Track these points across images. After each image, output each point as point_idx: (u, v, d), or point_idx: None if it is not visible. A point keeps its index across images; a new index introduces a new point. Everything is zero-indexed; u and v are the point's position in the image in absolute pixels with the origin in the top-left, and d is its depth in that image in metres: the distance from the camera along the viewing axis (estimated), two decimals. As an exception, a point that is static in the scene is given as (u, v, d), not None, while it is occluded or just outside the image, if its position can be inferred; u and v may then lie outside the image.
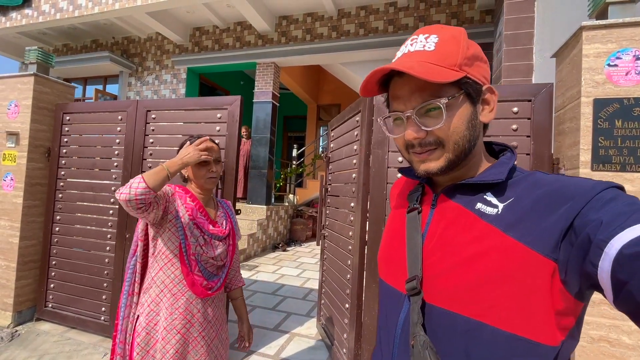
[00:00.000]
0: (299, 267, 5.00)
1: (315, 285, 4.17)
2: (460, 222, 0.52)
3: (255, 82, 6.37)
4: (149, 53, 7.15)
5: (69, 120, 2.79)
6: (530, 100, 1.67)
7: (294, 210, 7.43)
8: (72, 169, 2.76)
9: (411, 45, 0.54)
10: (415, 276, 0.53)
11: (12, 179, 2.76)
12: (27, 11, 6.47)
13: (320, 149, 9.11)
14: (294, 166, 7.68)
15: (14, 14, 6.60)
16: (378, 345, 0.64)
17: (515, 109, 1.69)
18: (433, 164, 0.54)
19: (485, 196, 0.52)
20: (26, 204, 2.73)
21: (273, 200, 6.80)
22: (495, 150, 0.61)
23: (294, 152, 7.75)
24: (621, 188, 0.45)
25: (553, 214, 0.45)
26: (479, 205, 0.52)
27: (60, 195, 2.77)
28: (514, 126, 1.69)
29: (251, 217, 5.89)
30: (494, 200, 0.51)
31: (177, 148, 1.34)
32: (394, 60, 0.55)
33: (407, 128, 0.53)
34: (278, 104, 6.56)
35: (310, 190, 7.76)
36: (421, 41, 0.53)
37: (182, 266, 1.19)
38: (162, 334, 1.17)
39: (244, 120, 7.46)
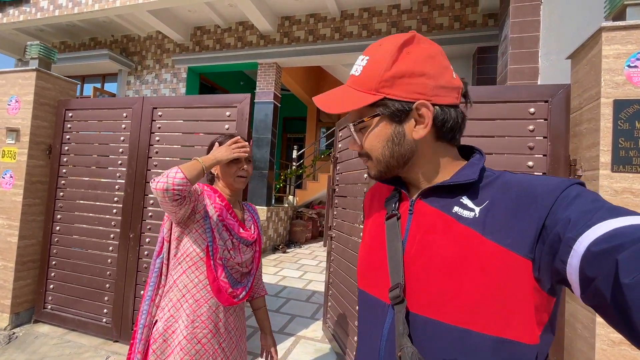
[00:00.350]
0: (300, 269, 4.96)
1: (318, 287, 4.13)
2: (439, 226, 0.53)
3: (257, 83, 6.34)
4: (149, 52, 7.08)
5: (71, 116, 2.73)
6: (547, 101, 1.66)
7: (293, 212, 7.39)
8: (74, 166, 2.70)
9: (354, 68, 0.57)
10: (398, 284, 0.53)
11: (11, 177, 2.69)
12: (24, 7, 6.38)
13: (321, 150, 9.10)
14: (293, 167, 7.64)
15: (11, 10, 6.49)
16: (361, 357, 0.62)
17: (531, 110, 1.68)
18: (371, 171, 0.61)
19: (461, 199, 0.53)
20: (26, 202, 2.66)
21: (273, 201, 6.76)
22: (466, 152, 0.62)
23: (294, 154, 7.71)
24: (583, 184, 0.47)
25: (526, 215, 0.46)
26: (456, 208, 0.53)
27: (61, 193, 2.71)
28: (531, 127, 1.68)
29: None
30: (470, 204, 0.52)
31: (207, 147, 1.30)
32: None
33: (350, 139, 0.61)
34: (280, 105, 6.53)
35: (310, 192, 7.73)
36: (358, 64, 0.56)
37: (209, 271, 1.12)
38: (181, 343, 1.10)
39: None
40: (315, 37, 5.92)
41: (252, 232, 1.27)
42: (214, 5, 5.87)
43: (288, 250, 6.33)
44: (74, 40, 7.71)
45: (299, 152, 7.89)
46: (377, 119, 0.55)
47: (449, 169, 0.57)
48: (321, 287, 4.09)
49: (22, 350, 2.39)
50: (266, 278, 4.40)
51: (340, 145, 2.77)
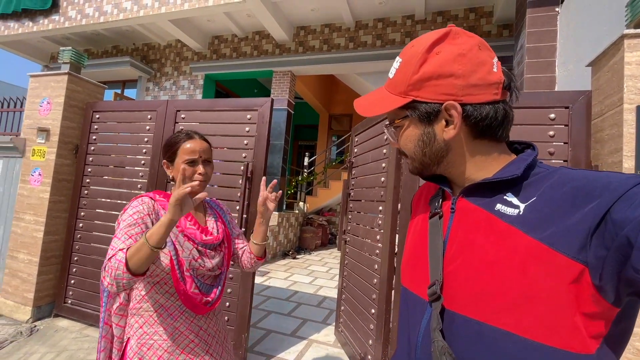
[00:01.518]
0: (310, 275, 4.96)
1: (329, 292, 4.12)
2: (481, 224, 0.51)
3: (272, 90, 6.47)
4: (168, 59, 7.32)
5: (98, 118, 2.84)
6: (567, 107, 1.68)
7: (304, 218, 7.41)
8: (99, 166, 2.80)
9: (392, 68, 0.59)
10: (436, 281, 0.53)
11: (40, 174, 2.81)
12: (54, 16, 6.70)
13: (332, 158, 9.15)
14: (304, 174, 7.70)
15: (40, 19, 6.83)
16: (400, 353, 0.63)
17: (552, 116, 1.69)
18: (409, 167, 0.63)
19: (505, 197, 0.51)
20: (52, 199, 2.76)
21: (284, 207, 6.80)
22: (518, 149, 0.59)
23: (305, 161, 7.78)
24: None
25: (578, 212, 0.42)
26: (498, 206, 0.51)
27: (85, 191, 2.81)
28: (551, 132, 1.69)
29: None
30: (515, 201, 0.50)
31: (161, 150, 1.16)
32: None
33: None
34: (293, 112, 6.63)
35: (320, 199, 7.76)
36: (394, 66, 0.58)
37: (176, 285, 1.03)
38: (162, 357, 1.03)
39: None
40: (330, 47, 6.04)
41: (217, 232, 1.18)
42: (232, 15, 6.06)
43: (298, 256, 6.34)
44: (98, 48, 8.02)
45: (310, 159, 7.96)
46: (407, 120, 0.57)
47: (494, 166, 0.55)
48: (332, 293, 4.08)
49: (42, 343, 2.45)
50: (277, 282, 4.42)
51: (356, 150, 2.81)
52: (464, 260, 0.51)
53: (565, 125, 1.67)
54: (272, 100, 2.30)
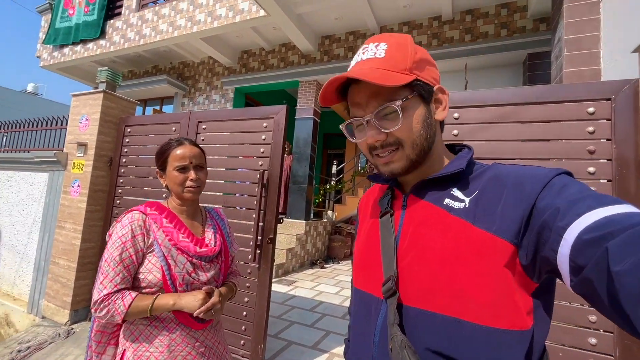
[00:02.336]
0: (337, 285, 4.84)
1: (354, 304, 3.98)
2: (431, 219, 0.54)
3: (297, 100, 6.55)
4: (201, 75, 7.71)
5: (129, 132, 3.02)
6: (609, 99, 1.48)
7: (332, 227, 7.33)
8: (130, 177, 2.96)
9: (363, 54, 0.56)
10: (391, 276, 0.53)
11: (78, 186, 3.02)
12: (101, 42, 7.36)
13: (361, 166, 9.02)
14: (333, 182, 7.65)
15: (90, 45, 7.53)
16: (353, 356, 0.62)
17: (590, 110, 1.50)
18: (396, 165, 0.56)
19: (452, 192, 0.54)
20: (89, 209, 2.95)
21: (312, 215, 6.78)
22: (455, 149, 0.64)
23: (334, 169, 7.73)
24: (570, 174, 0.48)
25: (513, 202, 0.47)
26: (447, 200, 0.54)
27: (117, 201, 2.97)
28: (590, 128, 1.49)
29: (290, 232, 5.89)
30: (460, 195, 0.53)
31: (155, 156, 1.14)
32: (348, 70, 0.57)
33: (368, 132, 0.56)
34: (319, 121, 6.65)
35: (349, 207, 7.64)
36: (372, 49, 0.56)
37: None
38: None
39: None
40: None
41: (214, 244, 1.14)
42: (259, 29, 6.26)
43: (326, 266, 6.25)
44: (139, 69, 8.67)
45: (339, 167, 7.90)
46: (415, 98, 0.55)
47: (440, 163, 0.59)
48: (358, 305, 3.93)
49: (77, 346, 2.59)
50: (303, 292, 4.36)
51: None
52: (415, 254, 0.53)
53: (608, 120, 1.47)
54: (287, 107, 2.29)
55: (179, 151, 1.09)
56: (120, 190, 2.97)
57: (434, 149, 0.58)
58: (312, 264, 6.21)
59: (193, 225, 1.15)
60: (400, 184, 0.63)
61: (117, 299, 0.96)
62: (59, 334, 2.71)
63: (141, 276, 1.02)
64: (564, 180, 0.46)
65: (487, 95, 1.70)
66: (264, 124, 2.34)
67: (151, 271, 1.01)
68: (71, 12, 7.74)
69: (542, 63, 4.57)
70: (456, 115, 1.76)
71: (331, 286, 4.77)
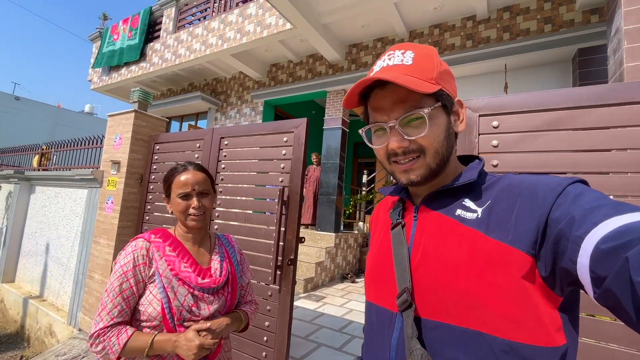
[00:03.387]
0: (368, 302, 4.60)
1: (387, 325, 3.73)
2: (443, 229, 0.53)
3: (326, 110, 6.48)
4: (232, 90, 7.94)
5: (158, 149, 3.09)
6: (694, 98, 1.19)
7: (363, 239, 7.09)
8: (159, 193, 3.01)
9: (389, 59, 0.56)
10: (405, 288, 0.52)
11: (112, 202, 3.13)
12: (142, 64, 7.87)
13: (392, 175, 8.72)
14: (363, 192, 7.43)
15: (133, 67, 8.08)
16: None
17: (669, 112, 1.22)
18: (416, 173, 0.56)
19: (463, 202, 0.54)
20: (120, 225, 3.04)
21: (342, 227, 6.60)
22: (466, 161, 0.63)
23: (364, 178, 7.52)
24: (585, 182, 0.47)
25: (528, 212, 0.46)
26: (458, 211, 0.53)
27: (147, 217, 3.03)
28: (670, 135, 1.21)
29: (319, 245, 5.75)
30: (473, 205, 0.52)
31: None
32: (372, 74, 0.56)
33: (391, 138, 0.55)
34: (348, 130, 6.52)
35: (381, 218, 7.35)
36: (398, 56, 0.55)
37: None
38: None
39: (315, 147, 7.50)
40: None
41: (219, 275, 1.06)
42: (286, 42, 6.32)
43: (357, 280, 6.01)
44: (177, 87, 9.15)
45: (369, 177, 7.67)
46: (440, 108, 0.55)
47: (452, 173, 0.59)
48: (391, 326, 3.68)
49: None
50: (332, 310, 4.18)
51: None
52: (429, 265, 0.52)
53: (694, 124, 1.18)
54: (308, 120, 2.18)
55: (182, 177, 1.05)
56: (149, 207, 3.04)
57: (451, 159, 0.58)
58: (343, 278, 6.00)
59: (199, 254, 1.09)
60: (410, 195, 0.63)
61: (112, 336, 0.91)
62: (92, 348, 2.79)
63: (141, 308, 0.97)
64: (578, 189, 0.44)
65: (533, 99, 1.47)
66: (284, 139, 2.25)
67: (151, 303, 0.96)
68: (116, 37, 8.38)
69: (596, 58, 4.09)
70: (495, 123, 1.54)
71: (362, 303, 4.54)
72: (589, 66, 4.15)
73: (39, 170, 4.89)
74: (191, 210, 1.02)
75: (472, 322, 0.46)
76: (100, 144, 3.64)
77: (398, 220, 0.60)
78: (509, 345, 0.43)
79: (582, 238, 0.38)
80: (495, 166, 1.52)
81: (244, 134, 2.49)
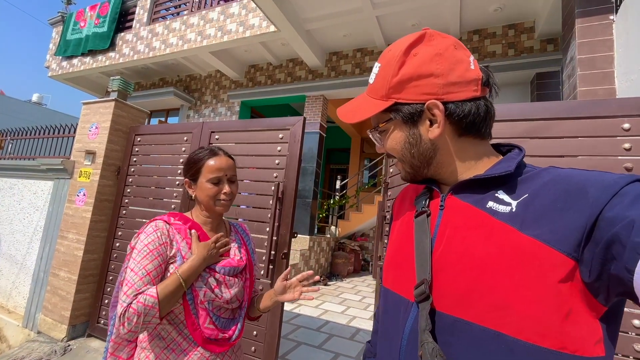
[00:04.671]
0: (342, 304, 4.69)
1: (362, 324, 3.83)
2: (471, 222, 0.50)
3: (304, 114, 6.56)
4: (208, 88, 7.76)
5: (139, 141, 2.97)
6: (645, 115, 1.43)
7: (335, 243, 7.20)
8: (137, 187, 2.88)
9: (372, 74, 0.59)
10: (424, 280, 0.50)
11: (84, 195, 2.94)
12: (110, 54, 7.44)
13: (365, 182, 8.97)
14: (337, 197, 7.57)
15: (100, 57, 7.61)
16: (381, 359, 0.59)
17: (626, 125, 1.45)
18: (402, 173, 0.60)
19: (496, 194, 0.50)
20: (93, 219, 2.86)
21: (316, 231, 6.66)
22: (503, 150, 0.59)
23: (337, 184, 7.67)
24: None
25: (574, 210, 0.42)
26: (490, 203, 0.50)
27: (124, 211, 2.88)
28: (626, 145, 1.44)
29: (294, 247, 5.76)
30: (507, 198, 0.49)
31: (183, 168, 1.11)
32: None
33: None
34: (325, 135, 6.64)
35: (353, 223, 7.53)
36: (373, 71, 0.58)
37: (187, 319, 0.94)
38: None
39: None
40: (362, 70, 6.06)
41: (240, 257, 1.07)
42: (267, 44, 6.34)
43: (329, 283, 6.08)
44: (146, 81, 8.74)
45: (342, 183, 7.84)
46: (391, 123, 0.56)
47: (482, 164, 0.55)
48: (366, 325, 3.79)
49: (74, 364, 2.44)
50: (308, 310, 4.21)
51: (392, 170, 2.65)
52: (453, 258, 0.50)
53: (645, 136, 1.42)
54: (304, 119, 2.25)
55: (213, 162, 1.03)
56: (127, 200, 2.89)
57: (447, 158, 0.55)
58: (315, 282, 6.04)
59: None
60: (438, 184, 0.60)
61: (140, 298, 0.85)
62: (55, 351, 2.57)
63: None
64: (638, 189, 0.39)
65: (516, 110, 1.67)
66: (280, 135, 2.30)
67: None
68: (82, 24, 7.87)
69: (551, 82, 4.61)
70: (482, 129, 1.72)
71: (336, 305, 4.62)
72: (545, 89, 4.65)
73: (-12, 159, 4.43)
74: (222, 196, 1.02)
75: (493, 321, 0.43)
76: (72, 133, 3.40)
77: (423, 209, 0.58)
78: (532, 348, 0.41)
79: None
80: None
81: (237, 129, 2.49)
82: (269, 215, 2.17)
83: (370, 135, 0.61)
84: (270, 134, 2.33)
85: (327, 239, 6.78)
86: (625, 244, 0.36)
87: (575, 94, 3.10)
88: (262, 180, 2.30)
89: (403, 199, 0.72)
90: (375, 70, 0.57)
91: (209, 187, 1.02)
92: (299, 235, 6.01)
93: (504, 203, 0.48)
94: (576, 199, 0.42)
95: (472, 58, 0.53)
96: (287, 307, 4.23)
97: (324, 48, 6.30)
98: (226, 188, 1.03)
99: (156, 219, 1.02)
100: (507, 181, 0.51)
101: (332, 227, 7.33)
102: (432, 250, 0.52)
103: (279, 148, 2.28)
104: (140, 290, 0.88)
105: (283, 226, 2.14)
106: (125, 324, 0.84)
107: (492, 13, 4.81)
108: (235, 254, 1.09)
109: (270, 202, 2.19)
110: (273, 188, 2.18)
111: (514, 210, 0.47)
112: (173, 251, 0.97)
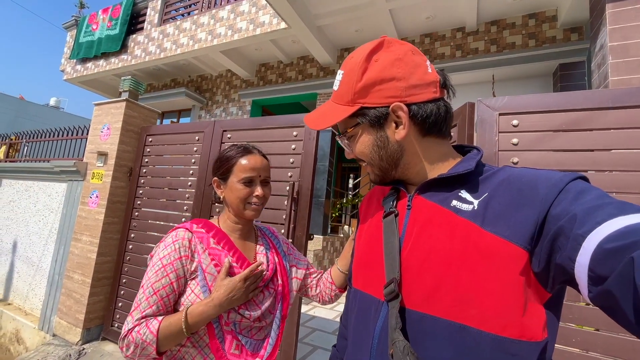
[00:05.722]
0: (358, 305, 4.58)
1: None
2: (437, 220, 0.52)
3: (315, 112, 6.46)
4: (219, 88, 7.75)
5: (151, 141, 2.92)
6: None
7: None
8: (149, 188, 2.84)
9: (335, 81, 0.60)
10: (393, 279, 0.51)
11: (97, 197, 2.92)
12: (123, 56, 7.50)
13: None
14: (350, 196, 7.45)
15: (112, 59, 7.69)
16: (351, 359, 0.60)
17: (683, 115, 1.30)
18: (371, 175, 0.62)
19: (459, 193, 0.53)
20: (106, 221, 2.83)
21: (329, 230, 6.56)
22: (463, 151, 0.62)
23: (350, 183, 7.55)
24: (586, 179, 0.46)
25: (527, 207, 0.45)
26: (454, 202, 0.52)
27: (136, 213, 2.84)
28: (684, 136, 1.29)
29: (307, 248, 5.68)
30: (469, 197, 0.51)
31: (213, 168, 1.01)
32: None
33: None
34: (338, 134, 6.53)
35: (366, 222, 7.40)
36: (337, 78, 0.60)
37: (212, 344, 0.84)
38: None
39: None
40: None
41: (267, 268, 0.96)
42: (278, 42, 6.26)
43: (344, 284, 5.98)
44: (158, 82, 8.80)
45: (355, 181, 7.71)
46: (359, 127, 0.58)
47: (446, 164, 0.57)
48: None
49: (88, 368, 2.41)
50: (323, 312, 4.12)
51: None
52: (420, 256, 0.51)
53: None
54: (320, 115, 2.14)
55: (246, 161, 0.93)
56: (139, 202, 2.85)
57: (413, 158, 0.57)
58: (329, 282, 5.94)
59: (246, 247, 0.97)
60: (405, 184, 0.62)
61: (141, 329, 0.78)
62: (70, 355, 2.54)
63: (181, 309, 0.84)
64: (580, 186, 0.44)
65: (552, 100, 1.52)
66: (294, 133, 2.20)
67: (193, 303, 0.84)
68: (94, 27, 7.96)
69: (575, 74, 4.37)
70: (515, 122, 1.58)
71: (351, 306, 4.51)
72: (569, 80, 4.42)
73: (5, 162, 4.49)
74: (253, 199, 0.92)
75: (458, 315, 0.45)
76: (85, 134, 3.39)
77: (391, 209, 0.60)
78: (495, 339, 0.43)
79: (583, 237, 0.37)
80: (515, 163, 1.55)
81: (249, 127, 2.41)
82: (284, 217, 2.08)
83: (339, 141, 0.64)
84: (284, 132, 2.24)
85: (341, 239, 6.68)
86: (569, 236, 0.39)
87: (607, 84, 2.90)
88: (277, 180, 2.20)
89: (370, 200, 0.73)
90: (338, 77, 0.59)
91: (240, 188, 0.92)
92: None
93: (467, 202, 0.51)
94: (529, 197, 0.46)
95: (428, 62, 0.57)
96: (302, 309, 4.15)
97: (335, 44, 6.18)
98: (259, 190, 0.93)
99: (177, 228, 0.92)
100: (469, 180, 0.53)
101: (346, 227, 7.22)
102: (401, 250, 0.54)
103: (293, 146, 2.18)
104: (145, 314, 0.80)
105: (299, 228, 2.05)
106: (124, 349, 0.79)
107: (511, 2, 4.60)
108: (263, 263, 0.96)
109: (285, 202, 2.10)
110: (288, 188, 2.09)
111: (475, 208, 0.50)
112: (194, 265, 0.87)
